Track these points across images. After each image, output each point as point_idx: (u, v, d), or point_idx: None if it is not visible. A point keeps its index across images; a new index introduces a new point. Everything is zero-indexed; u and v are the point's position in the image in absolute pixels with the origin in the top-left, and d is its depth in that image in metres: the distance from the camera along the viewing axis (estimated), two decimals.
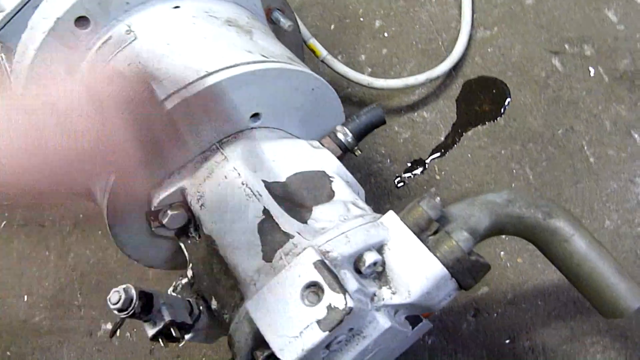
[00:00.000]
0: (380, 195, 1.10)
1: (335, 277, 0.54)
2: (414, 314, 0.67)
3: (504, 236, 0.98)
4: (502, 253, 0.97)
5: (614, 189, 0.94)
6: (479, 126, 1.07)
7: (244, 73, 0.70)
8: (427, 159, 1.08)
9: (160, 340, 0.65)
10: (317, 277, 0.55)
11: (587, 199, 0.96)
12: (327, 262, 0.56)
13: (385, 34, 1.23)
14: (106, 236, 1.35)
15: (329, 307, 0.53)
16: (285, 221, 0.61)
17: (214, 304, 0.69)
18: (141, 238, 0.80)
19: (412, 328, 0.69)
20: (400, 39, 1.21)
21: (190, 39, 0.75)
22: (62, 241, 1.40)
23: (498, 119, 1.06)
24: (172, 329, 0.64)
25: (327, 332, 0.52)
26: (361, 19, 1.28)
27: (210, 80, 0.68)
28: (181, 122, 0.67)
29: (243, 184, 0.65)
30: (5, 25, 0.85)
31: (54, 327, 1.32)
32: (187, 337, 0.69)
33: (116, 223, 0.75)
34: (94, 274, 1.33)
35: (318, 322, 0.53)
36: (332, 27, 1.30)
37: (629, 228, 0.91)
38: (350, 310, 0.53)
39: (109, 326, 1.26)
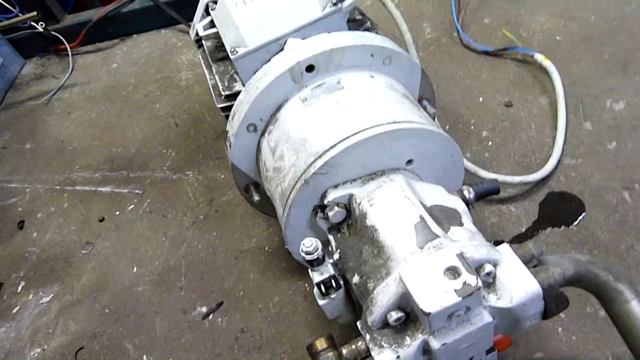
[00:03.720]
0: None
1: (470, 266, 0.79)
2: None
3: (562, 315, 1.19)
4: (560, 329, 1.17)
5: None
6: (556, 228, 1.32)
7: (416, 128, 1.01)
8: (508, 242, 1.33)
9: (320, 287, 0.89)
10: (458, 263, 0.79)
11: None
12: (463, 256, 0.81)
13: (489, 143, 1.55)
14: (218, 237, 1.62)
15: (464, 283, 0.77)
16: (434, 226, 0.88)
17: (355, 279, 0.93)
18: (301, 225, 1.07)
19: (487, 354, 0.90)
20: (501, 149, 1.52)
21: (382, 97, 1.07)
22: (179, 232, 1.68)
23: (572, 226, 1.32)
24: (332, 280, 0.88)
25: (460, 298, 0.76)
26: (471, 127, 1.60)
27: (396, 126, 0.99)
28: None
29: (406, 197, 0.93)
30: (245, 56, 1.22)
31: (154, 299, 1.55)
32: (331, 296, 0.92)
33: (295, 206, 1.02)
34: (201, 265, 1.57)
35: (455, 290, 0.77)
36: (447, 127, 1.63)
37: None
38: (479, 288, 0.76)
39: (204, 309, 1.47)
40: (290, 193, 1.02)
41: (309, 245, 0.85)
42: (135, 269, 1.63)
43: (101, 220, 1.81)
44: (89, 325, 1.54)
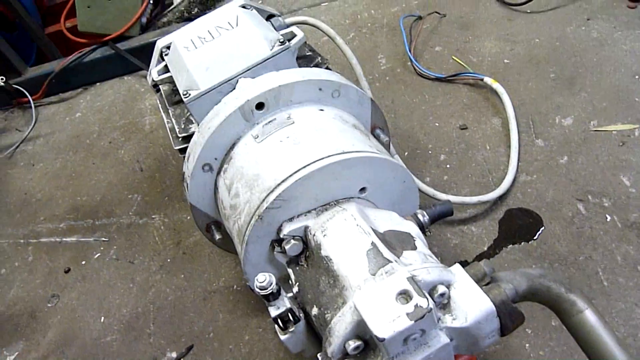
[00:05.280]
0: None
1: (420, 289, 0.80)
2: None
3: (529, 331, 1.20)
4: (527, 345, 1.17)
5: (621, 308, 1.17)
6: (516, 244, 1.35)
7: (365, 157, 1.03)
8: (471, 261, 1.34)
9: (277, 322, 0.89)
10: (409, 286, 0.80)
11: None
12: (415, 280, 0.82)
13: (448, 166, 1.58)
14: (186, 279, 1.60)
15: (416, 306, 0.78)
16: (386, 251, 0.89)
17: (314, 311, 0.93)
18: (259, 261, 1.07)
19: None
20: (458, 171, 1.56)
21: (332, 129, 1.10)
22: (147, 277, 1.65)
23: (531, 241, 1.34)
24: (289, 314, 0.88)
25: (413, 321, 0.76)
26: (429, 152, 1.64)
27: (345, 157, 1.01)
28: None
29: (357, 225, 0.94)
30: (198, 98, 1.24)
31: (122, 349, 1.51)
32: (290, 330, 0.92)
33: (251, 242, 1.03)
34: (169, 309, 1.55)
35: (407, 314, 0.77)
36: (406, 153, 1.66)
37: (633, 340, 1.12)
38: (430, 310, 0.77)
39: (174, 355, 1.44)
40: (246, 229, 1.02)
41: (262, 280, 0.85)
42: (102, 318, 1.60)
43: (67, 271, 1.77)
44: None
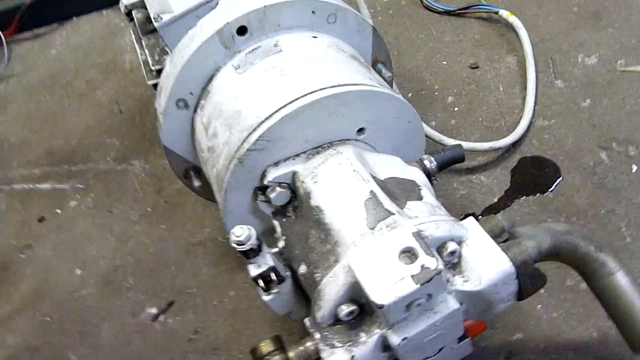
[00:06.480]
0: None
1: (428, 247, 0.67)
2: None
3: (542, 291, 1.08)
4: (539, 306, 1.06)
5: None
6: (530, 196, 1.21)
7: (365, 90, 0.87)
8: (479, 214, 1.22)
9: (258, 282, 0.76)
10: (414, 243, 0.67)
11: None
12: (421, 235, 0.69)
13: (456, 109, 1.43)
14: (168, 230, 1.48)
15: (423, 267, 0.65)
16: (387, 202, 0.75)
17: (302, 269, 0.81)
18: (241, 211, 0.94)
19: (458, 342, 0.79)
20: (468, 114, 1.40)
21: (326, 59, 0.94)
22: (125, 228, 1.53)
23: (547, 193, 1.21)
24: (271, 274, 0.75)
25: (418, 285, 0.64)
26: (436, 93, 1.48)
27: (341, 89, 0.85)
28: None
29: (354, 170, 0.80)
30: (171, 23, 1.06)
31: (100, 303, 1.41)
32: (273, 291, 0.79)
33: (231, 189, 0.89)
34: (149, 262, 1.43)
35: (412, 276, 0.64)
36: (410, 95, 1.50)
37: None
38: (440, 272, 0.64)
39: (154, 311, 1.34)
40: (225, 175, 0.88)
41: (240, 234, 0.72)
42: (78, 271, 1.48)
43: (41, 220, 1.64)
44: (30, 338, 1.39)
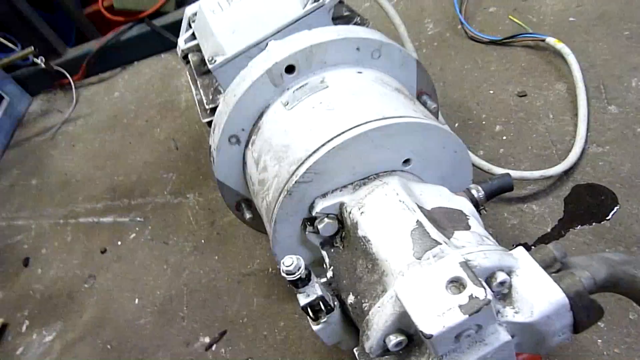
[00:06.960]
0: None
1: (476, 277, 0.66)
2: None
3: (602, 324, 1.03)
4: (599, 341, 1.01)
5: None
6: (586, 225, 1.17)
7: (410, 122, 0.89)
8: (531, 244, 1.18)
9: (307, 311, 0.78)
10: (462, 273, 0.67)
11: None
12: (469, 265, 0.68)
13: (504, 137, 1.41)
14: (220, 261, 1.52)
15: (471, 297, 0.64)
16: (434, 231, 0.75)
17: (350, 299, 0.81)
18: (290, 242, 0.96)
19: None
20: (517, 143, 1.39)
21: (371, 93, 0.96)
22: (181, 259, 1.59)
23: (604, 222, 1.16)
24: (320, 303, 0.76)
25: (467, 316, 0.63)
26: (483, 122, 1.47)
27: (386, 122, 0.87)
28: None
29: (400, 201, 0.81)
30: (224, 64, 1.13)
31: (156, 332, 1.46)
32: (322, 320, 0.81)
33: (280, 221, 0.92)
34: (203, 292, 1.48)
35: (460, 306, 0.64)
36: (456, 124, 1.50)
37: None
38: (488, 302, 0.64)
39: (207, 340, 1.37)
40: (275, 206, 0.91)
41: (289, 264, 0.74)
42: (137, 300, 1.55)
43: (103, 252, 1.74)
44: None
